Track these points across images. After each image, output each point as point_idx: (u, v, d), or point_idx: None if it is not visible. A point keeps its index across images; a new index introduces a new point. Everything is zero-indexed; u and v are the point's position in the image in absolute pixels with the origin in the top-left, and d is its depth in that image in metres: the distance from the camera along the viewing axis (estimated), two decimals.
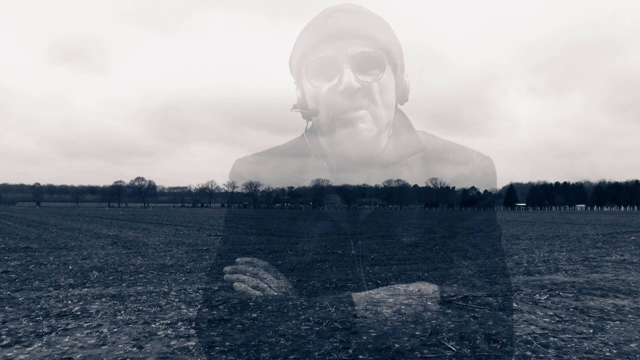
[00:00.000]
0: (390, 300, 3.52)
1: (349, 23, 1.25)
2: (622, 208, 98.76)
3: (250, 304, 3.69)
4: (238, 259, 1.29)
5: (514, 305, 3.92)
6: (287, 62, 1.40)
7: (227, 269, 1.28)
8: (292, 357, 2.60)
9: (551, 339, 2.99)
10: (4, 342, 2.91)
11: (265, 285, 1.29)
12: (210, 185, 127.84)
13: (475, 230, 1.38)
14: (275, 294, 1.27)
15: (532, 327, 3.26)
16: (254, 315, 3.49)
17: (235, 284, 1.27)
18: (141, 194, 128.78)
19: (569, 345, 2.86)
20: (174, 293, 4.47)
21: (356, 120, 1.26)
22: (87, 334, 3.09)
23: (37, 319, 3.48)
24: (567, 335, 3.06)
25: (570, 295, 4.38)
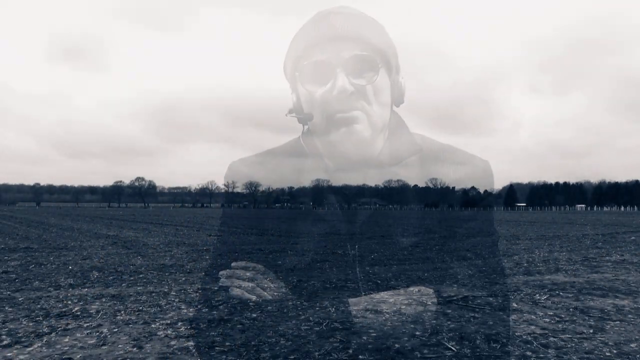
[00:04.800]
0: (391, 300, 3.52)
1: (341, 26, 1.24)
2: (622, 208, 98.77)
3: (250, 304, 3.70)
4: (234, 263, 1.28)
5: (514, 305, 3.92)
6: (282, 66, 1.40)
7: (223, 273, 1.28)
8: (292, 357, 2.60)
9: (551, 339, 2.99)
10: (4, 342, 2.91)
11: (262, 289, 1.28)
12: (210, 185, 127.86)
13: (475, 231, 1.38)
14: (271, 297, 1.27)
15: (532, 327, 3.26)
16: (254, 315, 3.49)
17: (232, 288, 1.26)
18: (141, 194, 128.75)
19: (569, 345, 2.86)
20: (174, 293, 4.47)
21: (351, 121, 1.25)
22: (87, 334, 3.09)
23: (37, 319, 3.48)
24: (567, 335, 3.06)
25: (570, 295, 4.38)
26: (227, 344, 2.83)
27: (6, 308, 3.83)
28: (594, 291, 4.57)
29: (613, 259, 7.29)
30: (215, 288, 4.35)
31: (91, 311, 3.71)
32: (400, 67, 1.39)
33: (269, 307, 3.57)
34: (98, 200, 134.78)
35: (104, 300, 4.15)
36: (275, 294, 1.28)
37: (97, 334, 3.09)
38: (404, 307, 3.45)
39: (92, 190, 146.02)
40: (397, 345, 2.76)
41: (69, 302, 4.07)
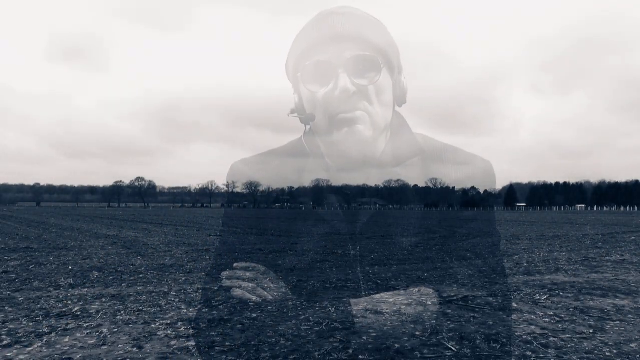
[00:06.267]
0: (391, 300, 3.53)
1: (343, 26, 1.25)
2: (622, 208, 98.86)
3: (250, 304, 3.69)
4: (235, 264, 1.29)
5: (514, 305, 3.92)
6: (284, 67, 1.40)
7: (225, 274, 1.28)
8: (292, 357, 2.60)
9: (551, 339, 2.99)
10: (4, 342, 2.91)
11: (263, 290, 1.28)
12: (210, 185, 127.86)
13: (475, 231, 1.38)
14: (272, 298, 1.27)
15: (532, 327, 3.26)
16: (254, 315, 3.49)
17: (233, 288, 1.26)
18: (141, 194, 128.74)
19: (569, 345, 2.86)
20: (174, 293, 4.47)
21: (353, 121, 1.25)
22: (87, 334, 3.09)
23: (37, 319, 3.48)
24: (567, 335, 3.06)
25: (570, 295, 4.38)
26: (227, 344, 2.83)
27: (6, 308, 3.83)
28: (594, 291, 4.57)
29: (613, 259, 7.28)
30: (216, 288, 4.35)
31: (91, 311, 3.71)
32: (402, 67, 1.39)
33: (269, 307, 3.57)
34: (98, 200, 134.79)
35: (104, 300, 4.14)
36: (275, 294, 1.28)
37: (97, 334, 3.09)
38: (404, 307, 3.45)
39: (92, 190, 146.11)
40: (397, 345, 2.76)
41: (69, 302, 4.07)
